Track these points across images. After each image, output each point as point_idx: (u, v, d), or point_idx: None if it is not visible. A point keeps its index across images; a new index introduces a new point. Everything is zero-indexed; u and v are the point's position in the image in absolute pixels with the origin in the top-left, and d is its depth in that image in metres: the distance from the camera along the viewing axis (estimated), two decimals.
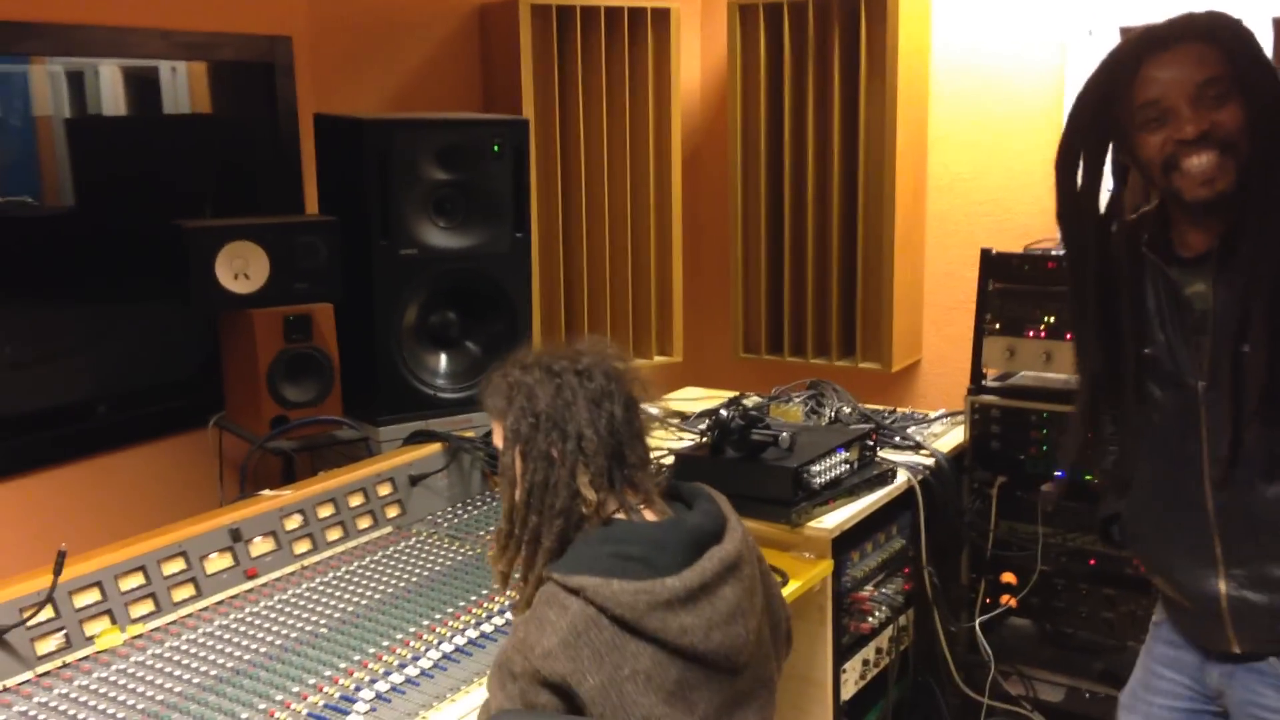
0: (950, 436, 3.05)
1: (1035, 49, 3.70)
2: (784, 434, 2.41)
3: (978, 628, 2.93)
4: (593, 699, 1.48)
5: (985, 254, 3.03)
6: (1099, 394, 1.95)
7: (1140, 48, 1.78)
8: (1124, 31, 3.55)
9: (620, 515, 1.64)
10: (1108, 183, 1.88)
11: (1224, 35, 1.75)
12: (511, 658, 1.51)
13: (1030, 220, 3.76)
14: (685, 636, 1.53)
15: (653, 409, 1.78)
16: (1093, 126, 1.83)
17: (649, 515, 1.66)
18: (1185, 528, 1.85)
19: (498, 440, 1.70)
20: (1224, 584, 1.82)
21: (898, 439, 2.93)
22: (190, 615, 2.08)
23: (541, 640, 1.49)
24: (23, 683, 1.82)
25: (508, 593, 1.88)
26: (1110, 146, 1.85)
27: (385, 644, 1.96)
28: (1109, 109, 1.80)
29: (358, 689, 1.82)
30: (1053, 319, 2.93)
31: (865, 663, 2.64)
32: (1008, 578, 3.00)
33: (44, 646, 1.88)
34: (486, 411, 1.74)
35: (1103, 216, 1.88)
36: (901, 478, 2.69)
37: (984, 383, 3.04)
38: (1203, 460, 1.81)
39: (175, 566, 2.11)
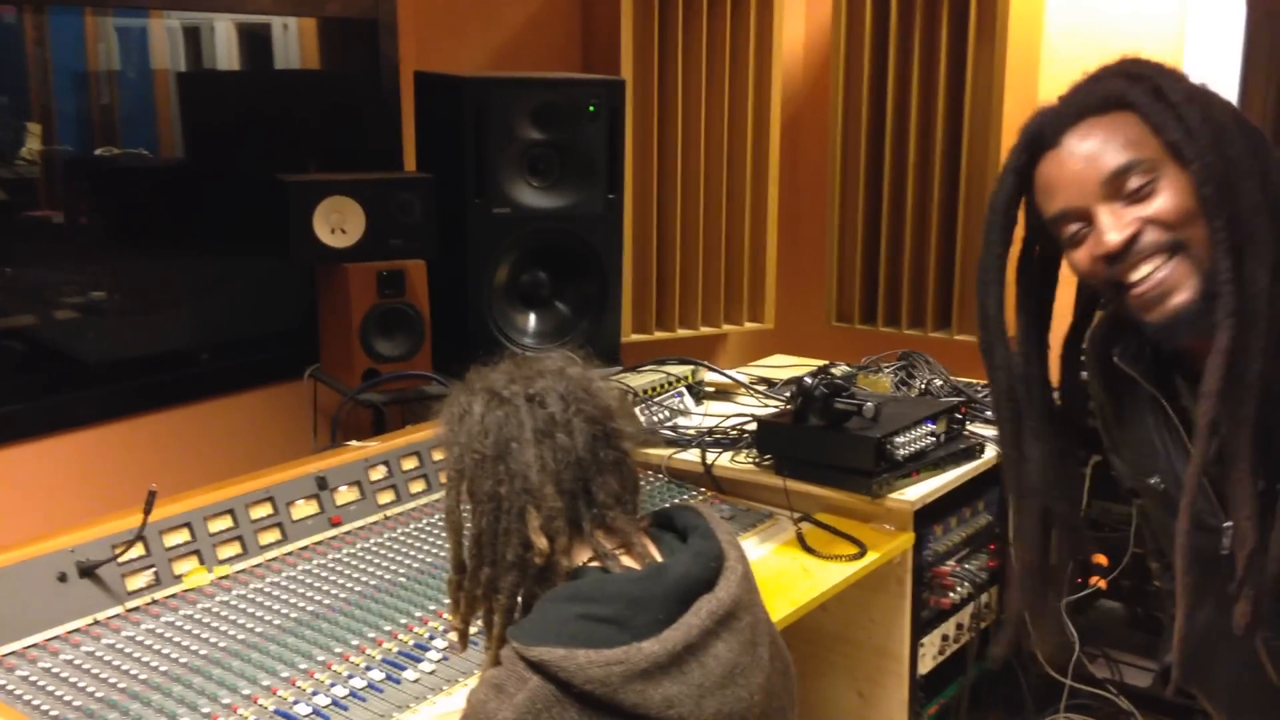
0: None
1: (1155, 11, 3.55)
2: (869, 404, 2.37)
3: (1064, 608, 2.87)
4: None
5: None
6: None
7: (1032, 143, 1.44)
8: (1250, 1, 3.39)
9: (594, 564, 1.40)
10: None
11: (1138, 96, 1.37)
12: None
13: None
14: (671, 709, 1.28)
15: (629, 437, 1.48)
16: (1006, 240, 1.48)
17: (628, 561, 1.41)
18: (1238, 663, 1.54)
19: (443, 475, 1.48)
20: None
21: (989, 413, 2.87)
22: (275, 559, 2.13)
23: (500, 711, 1.28)
24: (112, 616, 1.89)
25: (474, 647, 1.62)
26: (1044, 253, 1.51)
27: None
28: (1029, 219, 1.47)
29: (431, 638, 1.85)
30: None
31: (944, 638, 2.60)
32: (1098, 558, 2.93)
33: (134, 583, 1.95)
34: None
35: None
36: (990, 453, 2.64)
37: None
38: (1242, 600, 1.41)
39: (262, 511, 2.17)
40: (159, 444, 3.00)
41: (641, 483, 1.54)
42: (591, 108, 3.03)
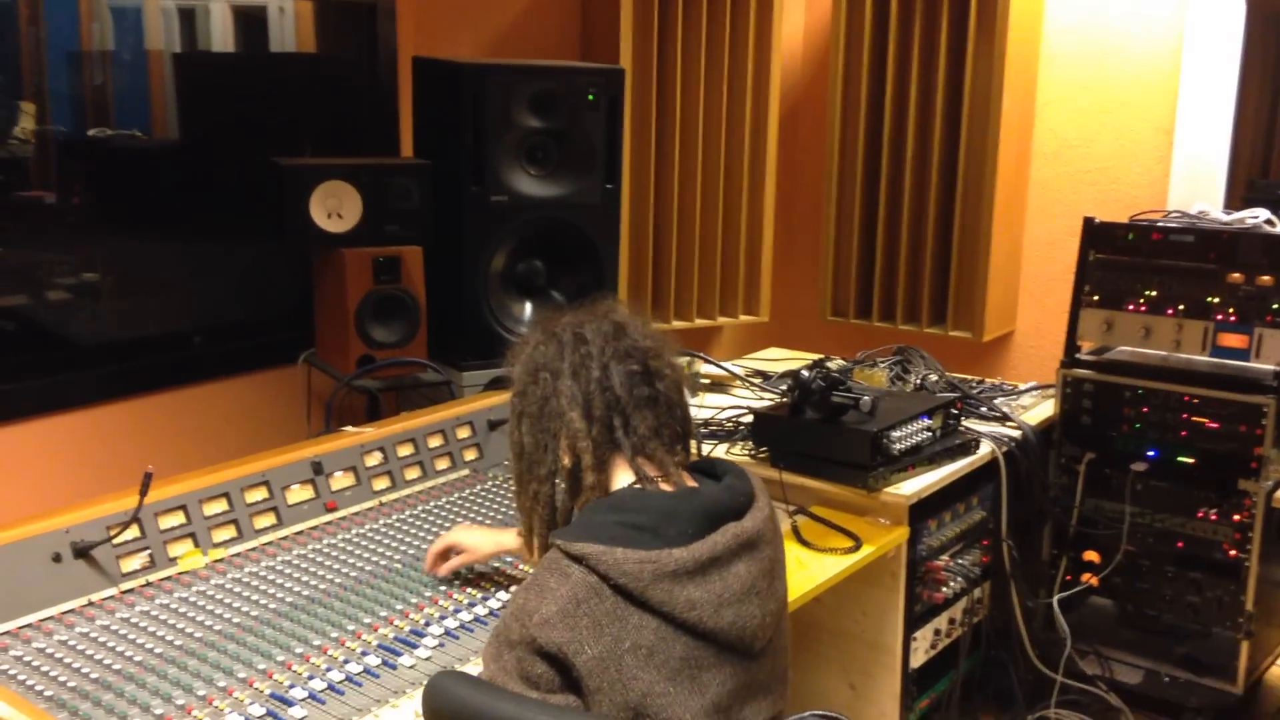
0: (1039, 410, 2.98)
1: (1154, 11, 3.56)
2: (865, 398, 2.37)
3: (1055, 604, 2.88)
4: (590, 671, 1.40)
5: (1088, 222, 2.94)
6: None
7: None
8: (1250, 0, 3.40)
9: (635, 485, 1.56)
10: None
11: None
12: (509, 625, 1.45)
13: (1138, 191, 3.64)
14: (693, 610, 1.44)
15: (666, 377, 1.64)
16: None
17: (665, 487, 1.58)
18: None
19: None
20: None
21: (984, 409, 2.88)
22: (270, 543, 2.12)
23: (540, 607, 1.42)
24: (107, 598, 1.88)
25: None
26: None
27: (457, 582, 1.99)
28: None
29: (428, 624, 1.84)
30: (1154, 293, 2.84)
31: (937, 632, 2.61)
32: (1090, 556, 2.94)
33: (129, 564, 1.94)
34: None
35: None
36: (985, 449, 2.64)
37: (1078, 356, 2.96)
38: None
39: (258, 495, 2.16)
40: (151, 427, 2.98)
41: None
42: (591, 96, 3.02)
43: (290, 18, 3.47)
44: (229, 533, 2.10)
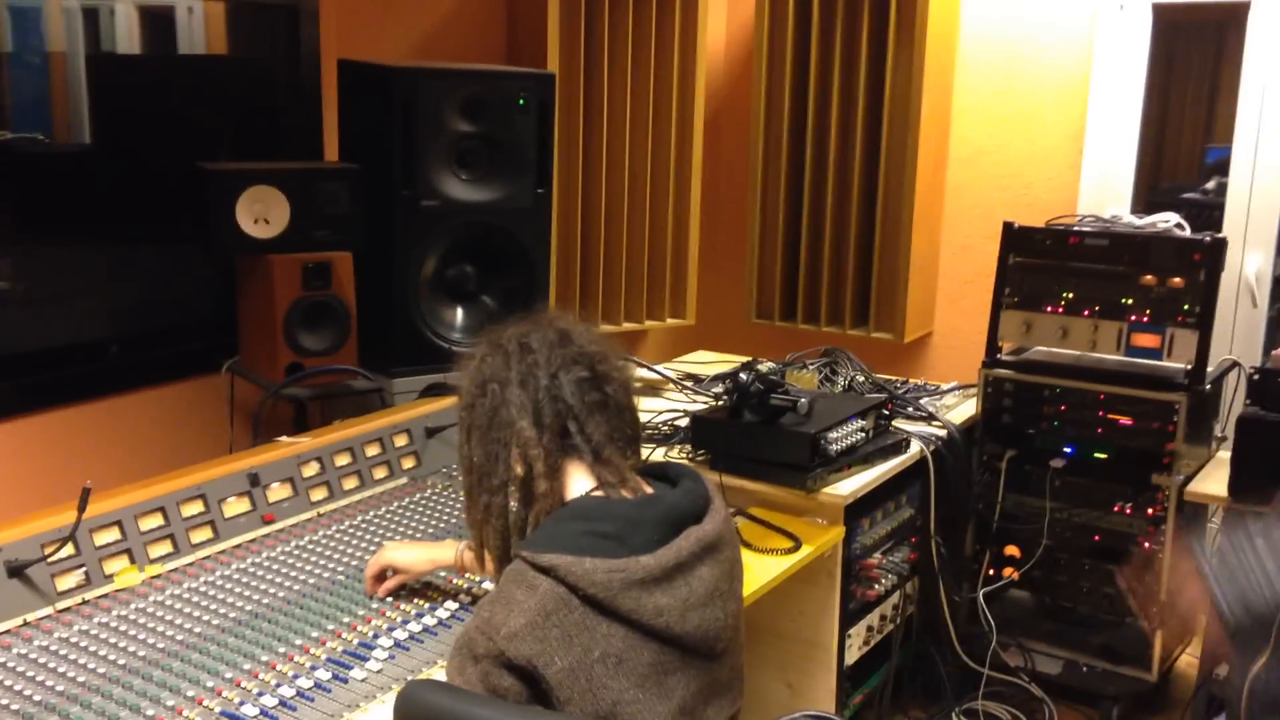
0: (962, 409, 3.06)
1: (1066, 20, 3.68)
2: (802, 400, 2.41)
3: (980, 598, 2.96)
4: (560, 682, 1.41)
5: (1008, 227, 3.02)
6: None
7: None
8: (1157, 9, 3.53)
9: (597, 492, 1.58)
10: None
11: None
12: (474, 639, 1.44)
13: (1050, 196, 3.76)
14: (660, 617, 1.46)
15: (615, 382, 1.65)
16: None
17: (624, 494, 1.59)
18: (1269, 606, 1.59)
19: None
20: None
21: (911, 409, 2.94)
22: (208, 557, 2.08)
23: (508, 620, 1.42)
24: (43, 617, 1.83)
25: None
26: None
27: (403, 593, 1.97)
28: None
29: (376, 636, 1.83)
30: (1071, 295, 2.93)
31: (870, 629, 2.66)
32: (1012, 550, 3.03)
33: (64, 583, 1.88)
34: None
35: None
36: (915, 448, 2.70)
37: (999, 356, 3.05)
38: None
39: (194, 509, 2.11)
40: (68, 440, 2.90)
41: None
42: (521, 101, 3.02)
43: (199, 18, 3.40)
44: (165, 548, 2.05)
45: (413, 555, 1.97)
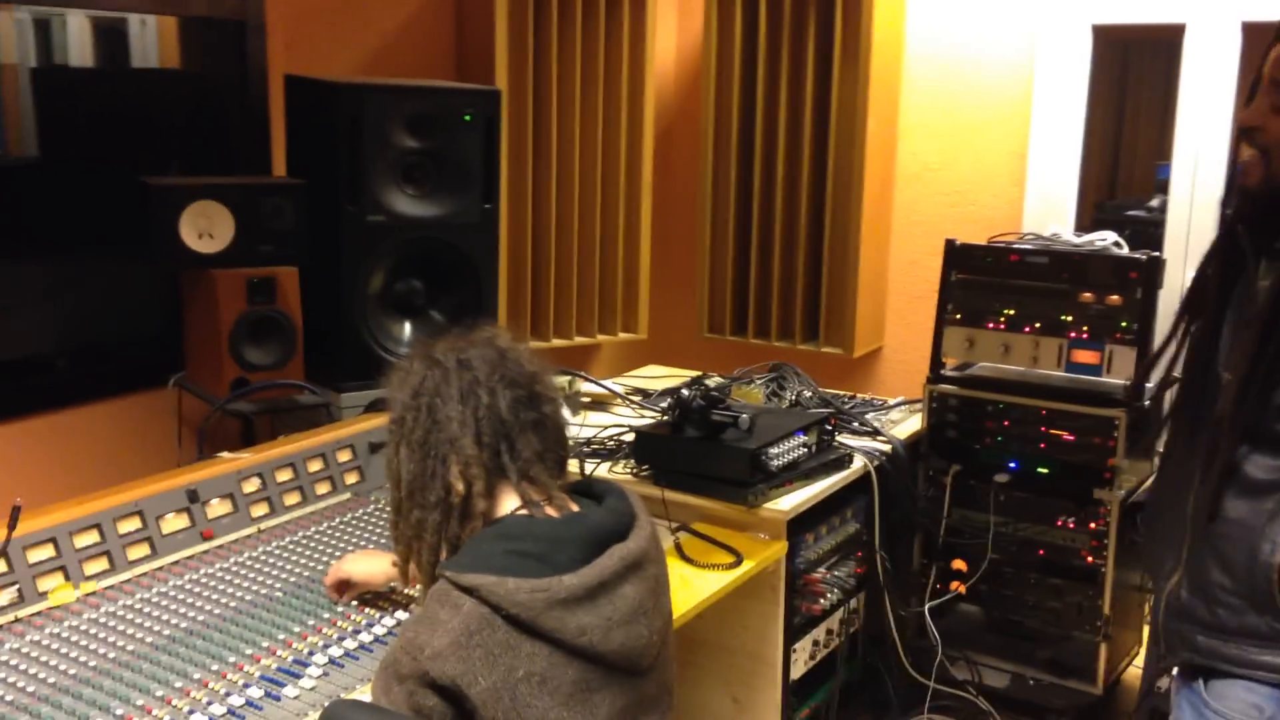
0: (908, 424, 3.09)
1: (1007, 41, 3.73)
2: (744, 415, 2.43)
3: (927, 613, 2.98)
4: (484, 702, 1.41)
5: (949, 245, 3.06)
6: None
7: None
8: (1096, 30, 3.59)
9: (522, 511, 1.58)
10: None
11: None
12: (399, 659, 1.45)
13: (995, 212, 3.80)
14: (583, 636, 1.47)
15: (549, 401, 1.67)
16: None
17: (550, 512, 1.59)
18: (1173, 525, 1.68)
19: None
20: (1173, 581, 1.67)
21: (856, 424, 2.96)
22: (145, 575, 2.07)
23: (432, 640, 1.43)
24: None
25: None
26: None
27: (340, 609, 1.97)
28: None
29: (311, 653, 1.82)
30: (1013, 311, 2.97)
31: (815, 643, 2.67)
32: (958, 564, 3.05)
33: None
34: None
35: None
36: (858, 463, 2.72)
37: (943, 372, 3.08)
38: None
39: (131, 525, 2.10)
40: (11, 455, 2.87)
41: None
42: (468, 117, 3.03)
43: (153, 32, 3.38)
44: (101, 565, 2.03)
45: (370, 567, 1.98)
